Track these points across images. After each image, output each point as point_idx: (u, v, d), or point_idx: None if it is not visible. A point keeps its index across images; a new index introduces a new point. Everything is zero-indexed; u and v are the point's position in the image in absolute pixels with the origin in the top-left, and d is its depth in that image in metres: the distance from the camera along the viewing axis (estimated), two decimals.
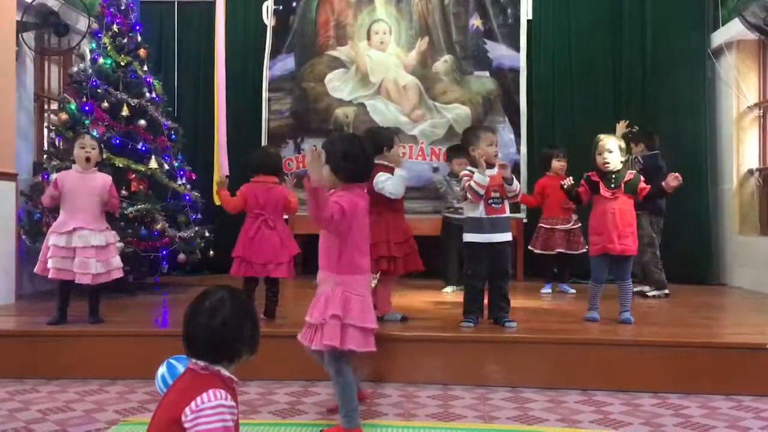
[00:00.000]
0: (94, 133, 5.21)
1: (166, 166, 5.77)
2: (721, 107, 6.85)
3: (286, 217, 4.45)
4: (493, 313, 4.17)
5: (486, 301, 4.19)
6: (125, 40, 5.90)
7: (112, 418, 3.13)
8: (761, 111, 6.55)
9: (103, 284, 4.18)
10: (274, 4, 7.33)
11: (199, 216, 5.96)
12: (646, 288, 5.61)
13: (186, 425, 1.70)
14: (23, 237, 5.40)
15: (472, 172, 4.02)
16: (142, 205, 5.36)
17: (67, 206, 4.15)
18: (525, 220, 6.73)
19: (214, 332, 1.81)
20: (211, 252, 6.13)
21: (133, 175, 5.48)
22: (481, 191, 3.97)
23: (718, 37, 6.73)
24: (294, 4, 7.33)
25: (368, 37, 7.25)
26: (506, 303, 4.17)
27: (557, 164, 5.90)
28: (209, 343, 1.81)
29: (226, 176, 4.92)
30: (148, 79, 5.91)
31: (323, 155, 2.70)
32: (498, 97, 7.07)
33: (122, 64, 5.80)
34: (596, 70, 7.18)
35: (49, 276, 4.09)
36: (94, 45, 5.83)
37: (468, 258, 4.19)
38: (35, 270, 4.18)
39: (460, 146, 4.93)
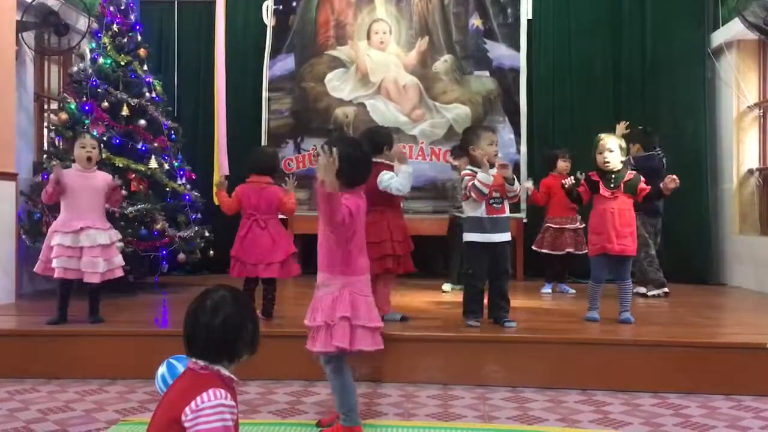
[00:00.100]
0: (94, 133, 5.22)
1: (166, 166, 5.77)
2: (721, 107, 6.85)
3: (282, 217, 4.45)
4: (493, 312, 4.18)
5: (486, 300, 4.19)
6: (125, 40, 5.90)
7: (112, 418, 3.14)
8: (761, 111, 6.55)
9: (103, 284, 4.18)
10: (274, 4, 7.33)
11: (199, 216, 5.96)
12: (643, 289, 5.60)
13: (186, 425, 1.70)
14: (23, 237, 5.40)
15: (474, 172, 4.02)
16: (142, 205, 5.37)
17: (70, 205, 4.13)
18: (525, 220, 6.73)
19: (215, 331, 1.81)
20: (211, 252, 6.14)
21: (133, 175, 5.49)
22: (486, 190, 3.96)
23: (718, 37, 6.73)
24: (294, 3, 7.33)
25: (368, 37, 7.25)
26: (506, 303, 4.18)
27: (563, 164, 5.90)
28: (209, 343, 1.81)
29: (225, 177, 4.92)
30: (148, 79, 5.91)
31: (337, 159, 2.60)
32: (498, 97, 7.07)
33: (122, 63, 5.80)
34: (596, 70, 7.19)
35: (55, 275, 4.06)
36: (94, 45, 5.84)
37: (468, 257, 4.19)
38: (35, 269, 4.17)
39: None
